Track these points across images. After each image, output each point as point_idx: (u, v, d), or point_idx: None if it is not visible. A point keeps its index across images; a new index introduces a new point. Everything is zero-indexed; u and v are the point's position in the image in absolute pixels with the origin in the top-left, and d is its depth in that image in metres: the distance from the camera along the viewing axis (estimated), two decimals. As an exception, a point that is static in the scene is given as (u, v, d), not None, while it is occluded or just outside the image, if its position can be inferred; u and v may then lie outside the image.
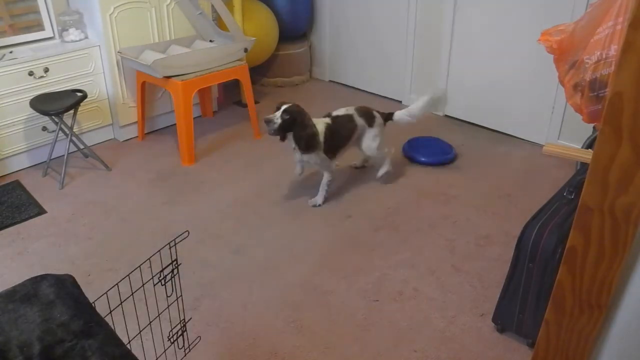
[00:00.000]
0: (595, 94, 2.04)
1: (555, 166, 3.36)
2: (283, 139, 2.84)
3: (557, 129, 3.57)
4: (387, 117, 3.18)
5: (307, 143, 2.81)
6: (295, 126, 2.77)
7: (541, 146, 3.55)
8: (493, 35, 3.68)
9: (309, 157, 2.89)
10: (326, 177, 3.03)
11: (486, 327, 2.22)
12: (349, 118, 3.02)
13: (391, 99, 4.48)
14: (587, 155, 1.91)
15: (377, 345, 2.14)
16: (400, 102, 4.41)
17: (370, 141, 3.10)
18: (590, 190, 1.19)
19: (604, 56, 1.98)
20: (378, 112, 3.15)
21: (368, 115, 3.09)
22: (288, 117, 2.74)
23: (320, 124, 2.90)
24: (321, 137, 2.86)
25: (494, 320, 2.18)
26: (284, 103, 2.80)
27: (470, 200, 3.09)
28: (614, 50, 1.93)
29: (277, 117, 2.74)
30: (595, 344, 1.37)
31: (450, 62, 3.98)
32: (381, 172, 3.21)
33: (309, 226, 2.87)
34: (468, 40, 3.83)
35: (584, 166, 2.27)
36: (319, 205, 3.04)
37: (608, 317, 1.32)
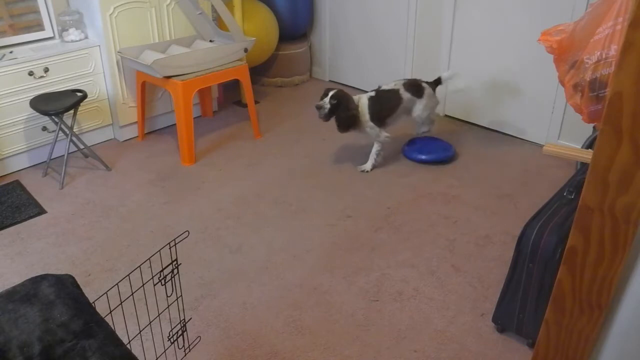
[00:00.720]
0: (595, 94, 2.04)
1: (555, 166, 3.36)
2: (327, 119, 3.21)
3: (557, 129, 3.57)
4: (436, 83, 3.48)
5: (344, 123, 3.19)
6: (339, 109, 3.15)
7: (541, 146, 3.55)
8: (493, 35, 3.68)
9: (360, 128, 3.25)
10: (375, 146, 3.34)
11: (486, 327, 2.22)
12: (394, 92, 3.32)
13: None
14: (587, 155, 1.91)
15: (377, 345, 2.14)
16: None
17: (420, 111, 3.42)
18: (590, 190, 1.19)
19: (604, 56, 1.98)
20: (427, 82, 3.44)
21: (416, 88, 3.37)
22: (335, 101, 3.13)
23: (364, 98, 3.25)
24: (366, 109, 3.22)
25: (494, 320, 2.18)
26: (330, 89, 3.18)
27: (470, 200, 3.09)
28: (614, 50, 1.93)
29: (326, 102, 3.13)
30: (595, 344, 1.38)
31: (450, 62, 3.97)
32: (423, 129, 3.55)
33: (309, 226, 2.87)
34: (468, 41, 3.83)
35: (584, 166, 2.27)
36: (368, 171, 3.35)
37: (608, 317, 1.32)
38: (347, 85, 4.79)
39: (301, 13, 4.63)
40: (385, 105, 3.28)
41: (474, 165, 3.46)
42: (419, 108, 3.40)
